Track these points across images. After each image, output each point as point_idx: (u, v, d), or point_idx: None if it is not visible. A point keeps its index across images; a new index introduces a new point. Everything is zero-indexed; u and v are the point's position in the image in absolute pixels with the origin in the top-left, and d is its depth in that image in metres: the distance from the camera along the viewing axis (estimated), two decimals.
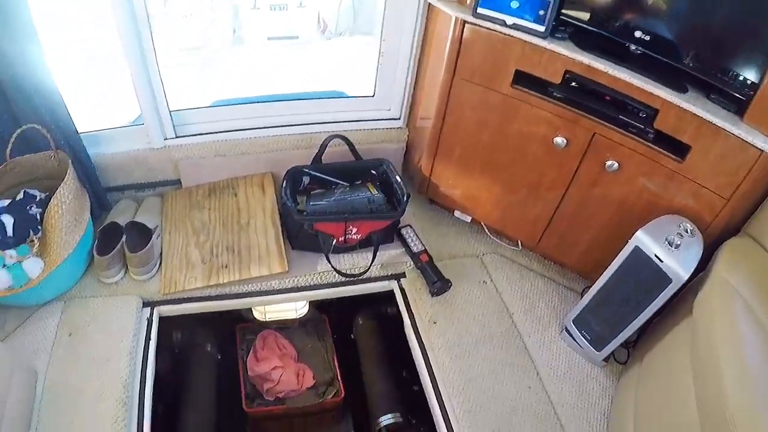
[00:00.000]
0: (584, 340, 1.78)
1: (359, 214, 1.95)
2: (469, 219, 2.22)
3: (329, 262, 1.97)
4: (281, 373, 2.28)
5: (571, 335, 1.82)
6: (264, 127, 2.18)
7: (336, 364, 2.38)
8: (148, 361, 1.83)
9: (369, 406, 2.19)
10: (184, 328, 2.29)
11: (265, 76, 4.51)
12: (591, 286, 1.76)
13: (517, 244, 2.16)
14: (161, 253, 2.02)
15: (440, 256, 2.06)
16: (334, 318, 2.55)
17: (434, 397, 1.74)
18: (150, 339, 1.88)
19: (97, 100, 3.56)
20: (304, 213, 1.93)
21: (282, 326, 2.50)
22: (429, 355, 1.83)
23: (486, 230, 2.20)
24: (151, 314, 1.93)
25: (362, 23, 5.32)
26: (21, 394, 1.62)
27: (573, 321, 1.81)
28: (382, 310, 2.40)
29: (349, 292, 2.08)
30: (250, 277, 1.92)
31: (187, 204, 2.16)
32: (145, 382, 1.77)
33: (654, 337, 1.64)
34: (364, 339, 2.39)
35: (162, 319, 1.98)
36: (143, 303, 1.94)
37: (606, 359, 1.79)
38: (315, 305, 2.51)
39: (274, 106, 2.22)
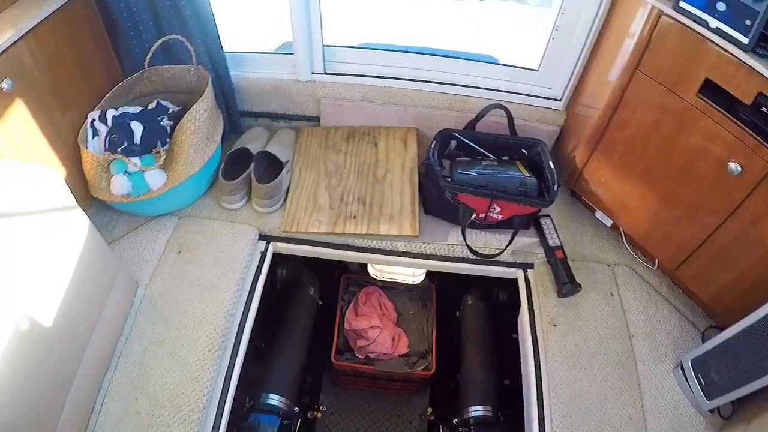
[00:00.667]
0: (697, 384, 1.77)
1: (508, 194, 1.98)
2: (609, 223, 2.25)
3: (464, 237, 2.02)
4: (378, 334, 2.45)
5: (684, 374, 1.83)
6: (416, 80, 2.27)
7: (434, 337, 2.51)
8: (254, 295, 2.01)
9: (461, 390, 2.30)
10: (290, 265, 2.47)
11: (415, 28, 4.57)
12: (718, 328, 1.81)
13: (653, 262, 2.17)
14: (288, 189, 2.17)
15: (572, 256, 2.11)
16: (440, 289, 2.67)
17: (534, 402, 1.81)
18: (260, 273, 2.05)
19: (244, 22, 3.75)
20: (449, 180, 1.99)
21: (388, 286, 2.65)
22: (541, 358, 1.89)
23: (624, 240, 2.23)
24: (266, 248, 2.10)
25: None
26: (120, 301, 1.83)
27: (691, 361, 1.80)
28: (493, 294, 2.50)
29: (475, 271, 2.14)
30: (377, 234, 2.04)
31: (323, 144, 2.31)
32: (247, 316, 1.95)
33: None
34: (470, 320, 2.50)
35: (273, 254, 2.14)
36: (260, 235, 2.11)
37: (711, 410, 1.78)
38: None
39: (429, 60, 2.31)
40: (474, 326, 2.49)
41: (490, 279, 2.26)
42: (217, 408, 1.79)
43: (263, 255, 2.09)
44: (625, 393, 1.83)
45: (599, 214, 2.28)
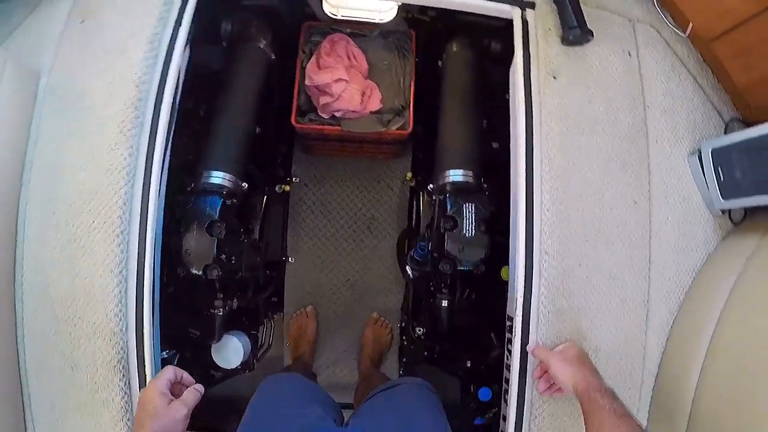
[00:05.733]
0: (714, 178, 1.66)
1: None
2: None
3: None
4: (344, 88, 2.15)
5: (701, 164, 1.69)
6: None
7: (412, 91, 2.25)
8: (174, 52, 1.72)
9: (439, 151, 2.14)
10: (237, 19, 2.20)
11: None
12: (744, 122, 1.74)
13: (685, 28, 1.82)
14: None
15: (586, 0, 1.77)
16: (422, 36, 2.35)
17: (522, 168, 1.62)
18: (180, 25, 1.74)
19: None
20: None
21: (358, 32, 2.31)
22: (534, 115, 1.65)
23: None
24: None
25: None
26: (18, 101, 1.65)
27: (712, 150, 1.66)
28: (484, 43, 2.21)
29: (457, 5, 1.79)
30: None
31: None
32: (165, 82, 1.68)
33: None
34: (454, 71, 2.24)
35: (206, 8, 1.80)
36: None
37: (723, 211, 1.71)
38: (403, 15, 2.30)
39: None
40: (458, 78, 2.21)
41: (481, 25, 2.02)
42: (141, 200, 1.60)
43: (184, 2, 1.76)
44: (632, 171, 1.68)
45: None
